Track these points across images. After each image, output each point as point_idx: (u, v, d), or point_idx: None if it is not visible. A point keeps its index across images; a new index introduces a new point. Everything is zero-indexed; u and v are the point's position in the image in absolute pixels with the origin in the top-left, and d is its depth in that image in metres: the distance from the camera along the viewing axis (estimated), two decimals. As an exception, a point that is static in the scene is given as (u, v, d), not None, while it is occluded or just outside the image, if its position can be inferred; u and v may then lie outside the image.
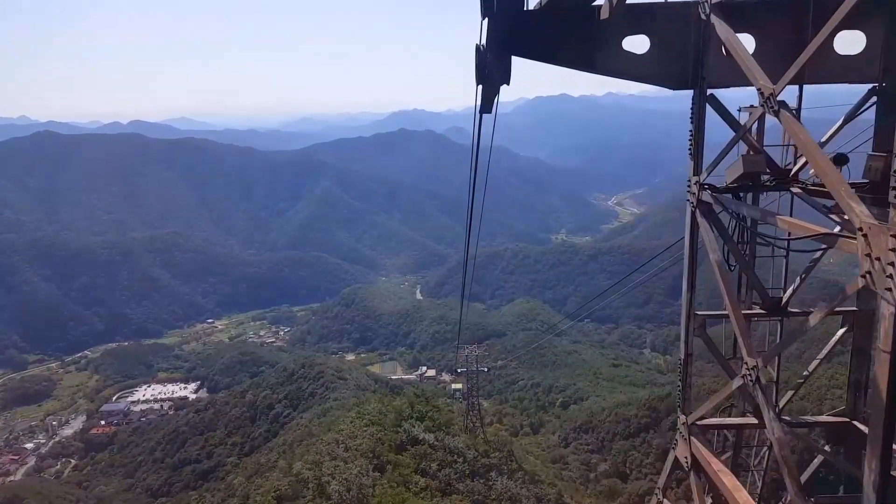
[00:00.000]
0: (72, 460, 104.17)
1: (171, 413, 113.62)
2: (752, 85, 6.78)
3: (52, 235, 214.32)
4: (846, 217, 5.40)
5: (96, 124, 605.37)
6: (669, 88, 8.32)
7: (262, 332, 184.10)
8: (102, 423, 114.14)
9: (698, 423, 9.21)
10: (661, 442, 60.30)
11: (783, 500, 11.12)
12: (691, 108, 8.07)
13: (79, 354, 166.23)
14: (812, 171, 7.31)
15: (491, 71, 7.20)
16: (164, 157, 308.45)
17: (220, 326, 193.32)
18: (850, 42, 7.94)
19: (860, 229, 5.07)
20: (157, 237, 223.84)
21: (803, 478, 8.95)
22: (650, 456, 61.00)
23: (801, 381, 11.16)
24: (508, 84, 7.52)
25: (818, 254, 9.15)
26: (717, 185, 8.02)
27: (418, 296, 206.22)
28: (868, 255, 5.01)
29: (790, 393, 10.76)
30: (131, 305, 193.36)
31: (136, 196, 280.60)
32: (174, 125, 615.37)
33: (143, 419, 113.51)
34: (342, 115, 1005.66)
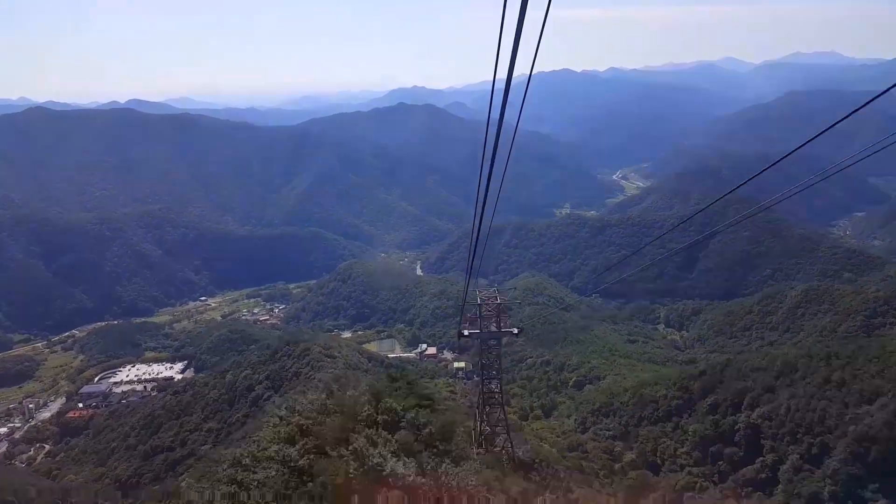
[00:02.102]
0: (46, 445, 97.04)
1: (153, 394, 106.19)
2: None
3: (39, 211, 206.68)
4: None
5: (94, 104, 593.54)
6: None
7: (256, 310, 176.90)
8: (80, 405, 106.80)
9: None
10: (698, 427, 51.88)
11: None
12: None
13: (66, 334, 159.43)
14: None
15: None
16: (158, 132, 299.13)
17: (213, 304, 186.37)
18: None
19: None
20: (149, 212, 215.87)
21: None
22: (685, 444, 52.62)
23: None
24: None
25: None
26: None
27: (419, 272, 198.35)
28: None
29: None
30: (121, 283, 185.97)
31: (129, 172, 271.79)
32: (173, 104, 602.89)
33: (124, 401, 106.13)
34: (343, 93, 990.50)
